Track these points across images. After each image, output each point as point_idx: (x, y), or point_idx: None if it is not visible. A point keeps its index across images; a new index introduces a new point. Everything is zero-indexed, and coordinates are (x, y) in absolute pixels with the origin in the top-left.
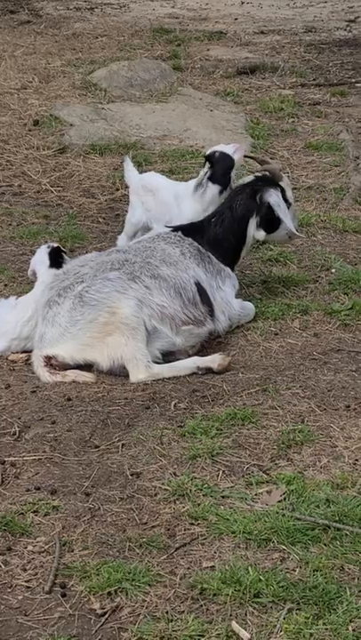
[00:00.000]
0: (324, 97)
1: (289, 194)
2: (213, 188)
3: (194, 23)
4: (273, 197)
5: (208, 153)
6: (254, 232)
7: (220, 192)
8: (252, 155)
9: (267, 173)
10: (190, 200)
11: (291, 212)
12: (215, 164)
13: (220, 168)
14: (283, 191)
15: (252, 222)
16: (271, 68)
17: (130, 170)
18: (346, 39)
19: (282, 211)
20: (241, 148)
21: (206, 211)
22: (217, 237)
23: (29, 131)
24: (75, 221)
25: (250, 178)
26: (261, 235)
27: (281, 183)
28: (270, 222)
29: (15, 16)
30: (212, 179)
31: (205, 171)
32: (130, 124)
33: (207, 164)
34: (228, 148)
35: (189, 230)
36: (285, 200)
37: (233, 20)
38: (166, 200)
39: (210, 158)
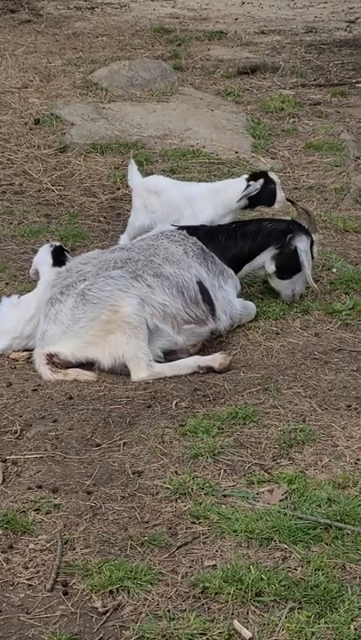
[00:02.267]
0: (324, 97)
1: (315, 249)
2: (245, 201)
3: (194, 23)
4: (303, 243)
5: (269, 173)
6: (266, 261)
7: (246, 207)
8: (293, 200)
9: (302, 221)
10: (212, 202)
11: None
12: (265, 189)
13: (266, 195)
14: (312, 243)
15: (269, 251)
16: (272, 68)
17: (133, 173)
18: (346, 40)
19: (306, 258)
20: (280, 203)
21: (223, 218)
22: (229, 241)
23: (30, 129)
24: (76, 220)
25: (287, 218)
26: (271, 268)
27: (313, 236)
28: (286, 268)
29: (16, 15)
30: (257, 197)
31: (258, 187)
32: (131, 124)
33: (260, 181)
34: (279, 195)
35: (195, 229)
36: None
37: (233, 20)
38: (175, 200)
39: (267, 177)
